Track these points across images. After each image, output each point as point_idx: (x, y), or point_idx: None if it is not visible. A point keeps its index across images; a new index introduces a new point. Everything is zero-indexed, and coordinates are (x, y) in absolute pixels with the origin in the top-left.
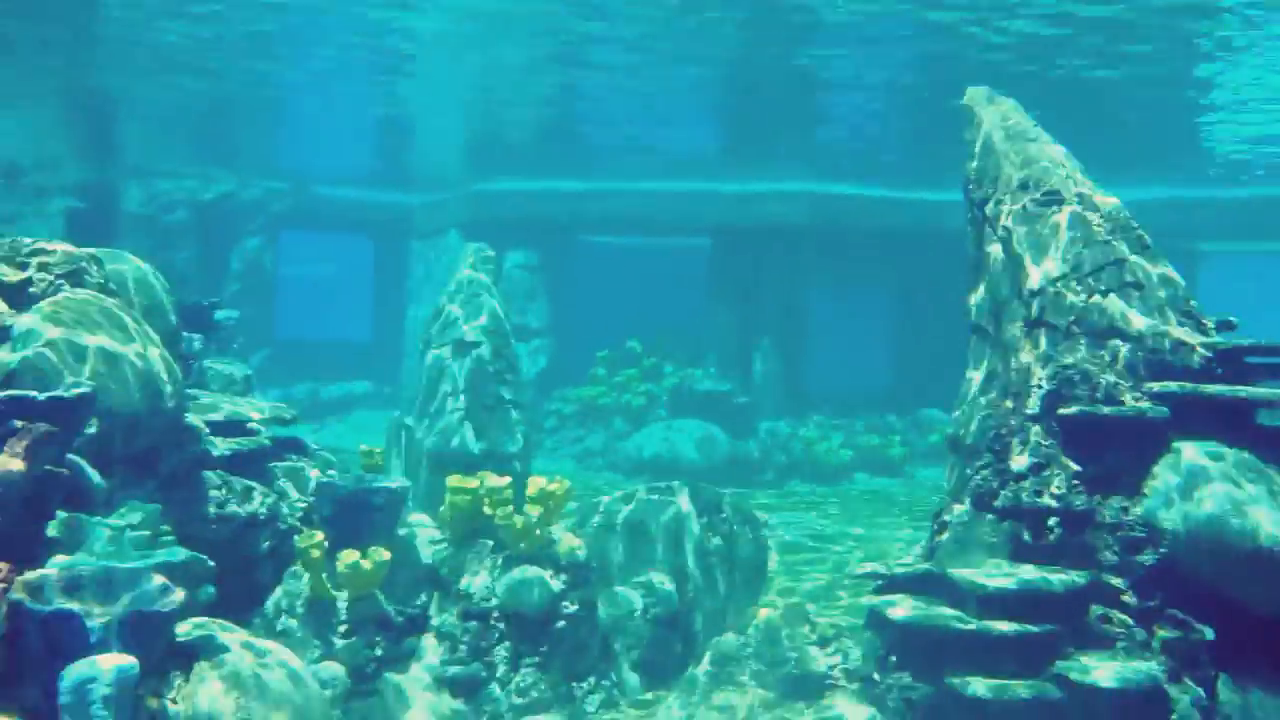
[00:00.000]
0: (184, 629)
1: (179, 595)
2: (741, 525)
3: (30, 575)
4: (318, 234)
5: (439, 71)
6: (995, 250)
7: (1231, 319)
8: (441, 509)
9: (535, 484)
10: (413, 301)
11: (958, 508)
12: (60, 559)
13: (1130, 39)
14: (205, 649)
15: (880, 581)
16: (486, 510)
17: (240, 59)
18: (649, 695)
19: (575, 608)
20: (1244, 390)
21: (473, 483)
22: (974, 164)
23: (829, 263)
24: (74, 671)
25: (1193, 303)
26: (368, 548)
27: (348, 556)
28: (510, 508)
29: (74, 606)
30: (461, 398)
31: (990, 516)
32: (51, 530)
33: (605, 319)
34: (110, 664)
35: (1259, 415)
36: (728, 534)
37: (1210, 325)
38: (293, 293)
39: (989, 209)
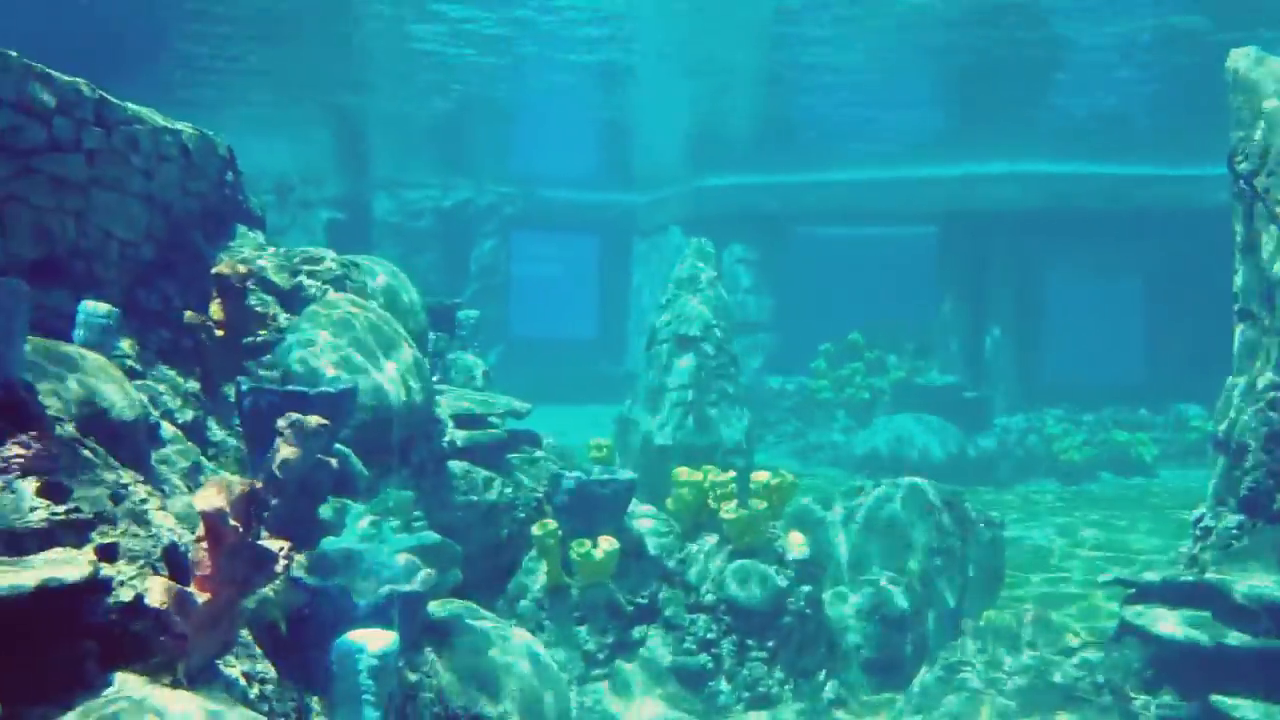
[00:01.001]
0: (435, 608)
1: (431, 576)
2: (976, 526)
3: (306, 553)
4: (546, 234)
5: (659, 71)
6: (1266, 227)
7: None
8: (668, 501)
9: (759, 478)
10: (636, 297)
11: (1225, 512)
12: (330, 540)
13: None
14: (455, 628)
15: (1132, 590)
16: (711, 503)
17: (476, 71)
18: (878, 696)
19: (801, 604)
20: None
21: (697, 475)
22: (1240, 133)
23: (1067, 247)
24: (343, 643)
25: None
26: (598, 537)
27: (580, 545)
28: (735, 501)
29: (343, 583)
30: (686, 392)
31: (1263, 522)
32: (323, 513)
33: (827, 311)
34: (375, 638)
35: None
36: (961, 534)
37: None
38: (525, 292)
39: (1259, 182)
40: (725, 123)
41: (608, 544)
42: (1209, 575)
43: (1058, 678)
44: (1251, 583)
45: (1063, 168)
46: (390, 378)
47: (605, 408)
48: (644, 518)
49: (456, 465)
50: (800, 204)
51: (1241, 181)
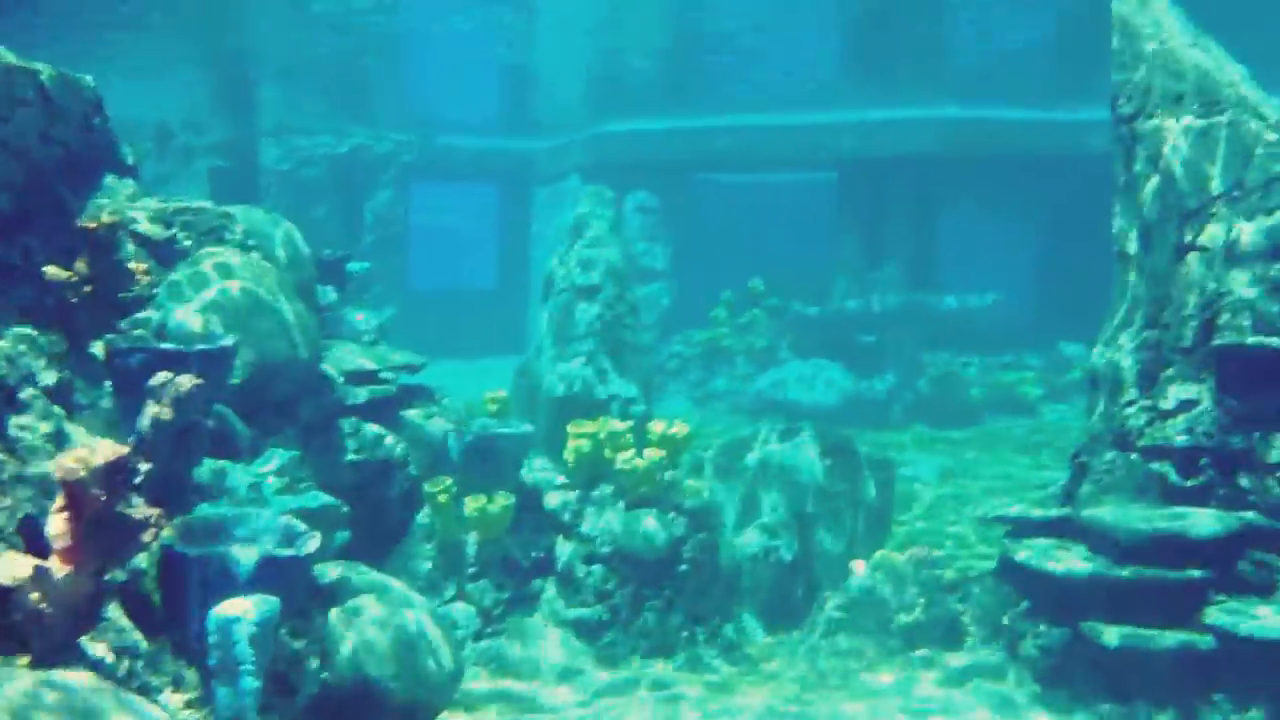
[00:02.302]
0: (321, 572)
1: (316, 540)
2: (867, 468)
3: (180, 520)
4: (446, 184)
5: (560, 8)
6: (1144, 170)
7: None
8: (564, 453)
9: (656, 428)
10: (536, 248)
11: (1099, 448)
12: (207, 505)
13: None
14: (342, 591)
15: (1011, 526)
16: (608, 454)
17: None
18: (771, 639)
19: (696, 552)
20: None
21: (594, 427)
22: (1121, 75)
23: (962, 193)
24: (220, 611)
25: None
26: (494, 492)
27: (475, 501)
28: (631, 451)
29: (220, 550)
30: (583, 342)
31: (1134, 457)
32: (200, 476)
33: (728, 259)
34: (253, 605)
35: None
36: (853, 477)
37: None
38: (424, 243)
39: (1139, 125)
40: (626, 66)
41: (503, 499)
42: (1083, 511)
43: (941, 613)
44: (1103, 515)
45: (959, 113)
46: (273, 332)
47: (507, 360)
48: (541, 470)
49: (346, 423)
50: (701, 151)
51: (1123, 124)
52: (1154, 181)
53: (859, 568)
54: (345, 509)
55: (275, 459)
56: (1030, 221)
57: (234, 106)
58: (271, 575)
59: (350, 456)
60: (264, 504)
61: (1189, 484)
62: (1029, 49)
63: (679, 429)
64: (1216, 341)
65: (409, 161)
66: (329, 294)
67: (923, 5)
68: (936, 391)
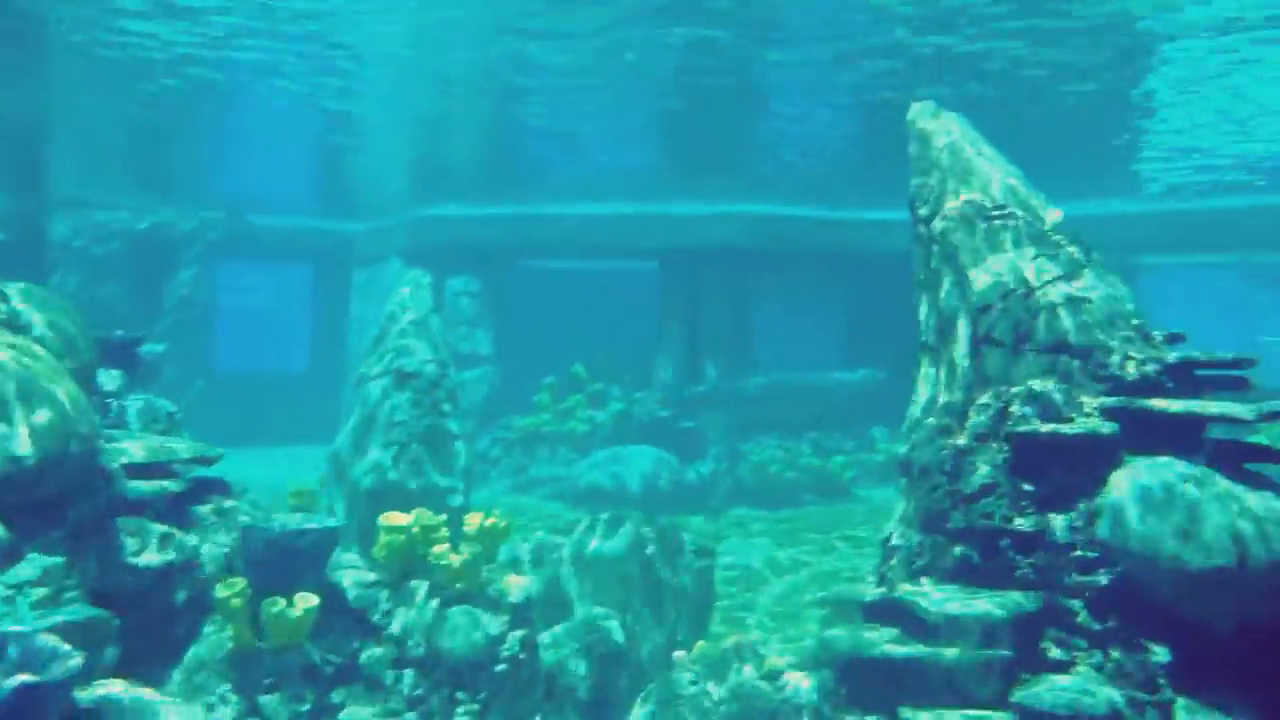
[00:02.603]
0: (86, 693)
1: (76, 660)
2: (688, 556)
3: None
4: (257, 264)
5: (380, 94)
6: (942, 268)
7: (1180, 332)
8: (375, 549)
9: (473, 520)
10: (353, 331)
11: (909, 531)
12: None
13: (1078, 51)
14: (107, 714)
15: (830, 610)
16: (422, 549)
17: (176, 79)
18: None
19: (516, 650)
20: (1196, 404)
21: (407, 519)
22: (919, 180)
23: (775, 284)
24: None
25: (1140, 316)
26: (295, 594)
27: (274, 604)
28: (446, 545)
29: None
30: (397, 430)
31: (942, 539)
32: None
33: (551, 345)
34: None
35: (1210, 429)
36: (674, 565)
37: (1159, 338)
38: (232, 324)
39: (935, 225)
40: (450, 150)
41: (305, 601)
42: (898, 592)
43: (761, 703)
44: (916, 599)
45: (769, 209)
46: (39, 425)
47: (319, 447)
48: (349, 568)
49: (127, 522)
50: (524, 237)
51: (921, 225)
52: (950, 278)
53: (680, 658)
54: (116, 621)
55: (35, 566)
56: (838, 310)
57: (18, 175)
58: (18, 703)
59: (130, 559)
60: (18, 620)
61: (991, 565)
62: (835, 151)
63: (497, 521)
64: (1010, 429)
65: (216, 239)
66: (114, 379)
67: (736, 107)
68: (755, 476)
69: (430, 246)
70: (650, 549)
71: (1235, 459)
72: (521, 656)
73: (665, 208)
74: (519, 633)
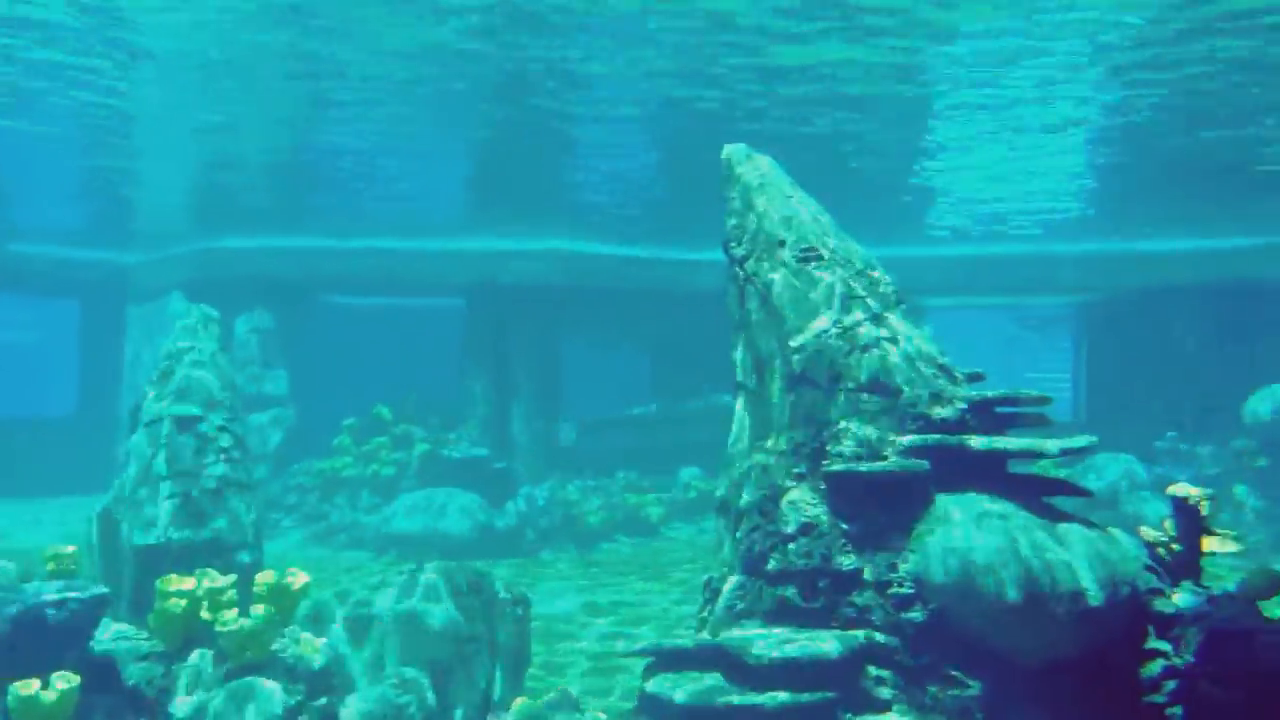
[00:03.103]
0: None
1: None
2: (501, 605)
3: None
4: (16, 297)
5: (159, 119)
6: (756, 307)
7: (980, 371)
8: (150, 616)
9: (264, 579)
10: (130, 371)
11: (730, 574)
12: None
13: (867, 108)
14: None
15: (651, 659)
16: (205, 615)
17: None
18: None
19: None
20: (1000, 441)
21: (188, 583)
22: (733, 221)
23: (585, 323)
24: None
25: (944, 356)
26: (52, 674)
27: (25, 688)
28: (234, 610)
29: None
30: (178, 481)
31: (763, 581)
32: None
33: (354, 385)
34: None
35: (1010, 465)
36: (487, 616)
37: (961, 377)
38: None
39: (749, 266)
40: (240, 176)
41: (64, 681)
42: (720, 637)
43: None
44: (737, 643)
45: (577, 246)
46: None
47: (89, 499)
48: (120, 639)
49: None
50: (323, 271)
51: (736, 265)
52: (764, 318)
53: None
54: None
55: None
56: (647, 349)
57: None
58: None
59: None
60: None
61: (813, 606)
62: (645, 191)
63: (294, 579)
64: (826, 468)
65: None
66: None
67: (544, 144)
68: (568, 517)
69: (217, 279)
70: (463, 599)
71: (1036, 492)
72: None
73: (472, 243)
74: (319, 702)
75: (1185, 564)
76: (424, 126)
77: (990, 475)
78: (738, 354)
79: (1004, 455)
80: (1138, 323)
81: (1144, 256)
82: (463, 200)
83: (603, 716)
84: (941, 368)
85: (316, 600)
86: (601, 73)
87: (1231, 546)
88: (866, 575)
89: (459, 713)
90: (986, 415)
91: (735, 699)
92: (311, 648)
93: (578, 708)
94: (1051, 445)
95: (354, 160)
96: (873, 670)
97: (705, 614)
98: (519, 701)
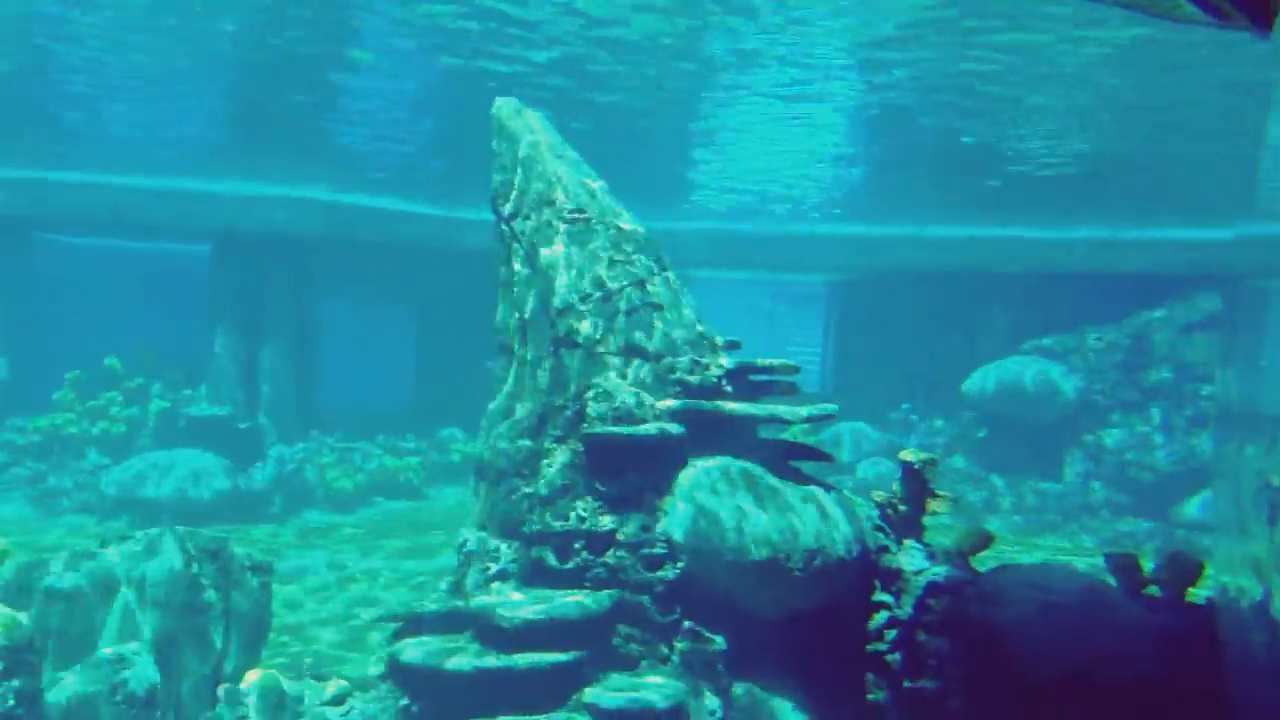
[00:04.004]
0: None
1: None
2: (242, 573)
3: None
4: None
5: None
6: (522, 267)
7: (736, 340)
8: None
9: None
10: None
11: (485, 536)
12: None
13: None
14: None
15: (402, 624)
16: None
17: None
18: None
19: (11, 702)
20: (753, 407)
21: None
22: (501, 177)
23: (346, 276)
24: None
25: (703, 324)
26: None
27: None
28: None
29: None
30: None
31: (519, 543)
32: None
33: (79, 333)
34: None
35: (761, 430)
36: (224, 585)
37: (719, 345)
38: None
39: (516, 224)
40: None
41: None
42: (472, 600)
43: None
44: (488, 604)
45: (340, 197)
46: None
47: None
48: None
49: None
50: (43, 207)
51: (503, 223)
52: (529, 278)
53: (229, 691)
54: None
55: None
56: (412, 308)
57: None
58: None
59: None
60: None
61: (568, 566)
62: (413, 145)
63: None
64: (586, 430)
65: None
66: None
67: (306, 86)
68: (323, 479)
69: None
70: (195, 568)
71: (784, 457)
72: (19, 711)
73: (221, 185)
74: (15, 681)
75: (910, 523)
76: (172, 55)
77: (742, 439)
78: (501, 314)
79: (755, 421)
80: (877, 303)
81: (882, 241)
82: (212, 138)
83: (346, 684)
84: (701, 335)
85: (19, 566)
86: (368, 21)
87: (949, 506)
88: (621, 536)
89: (186, 685)
90: (741, 382)
91: (484, 661)
92: (7, 621)
93: (320, 676)
94: (797, 412)
95: (88, 84)
96: (623, 628)
97: (459, 576)
98: (256, 673)
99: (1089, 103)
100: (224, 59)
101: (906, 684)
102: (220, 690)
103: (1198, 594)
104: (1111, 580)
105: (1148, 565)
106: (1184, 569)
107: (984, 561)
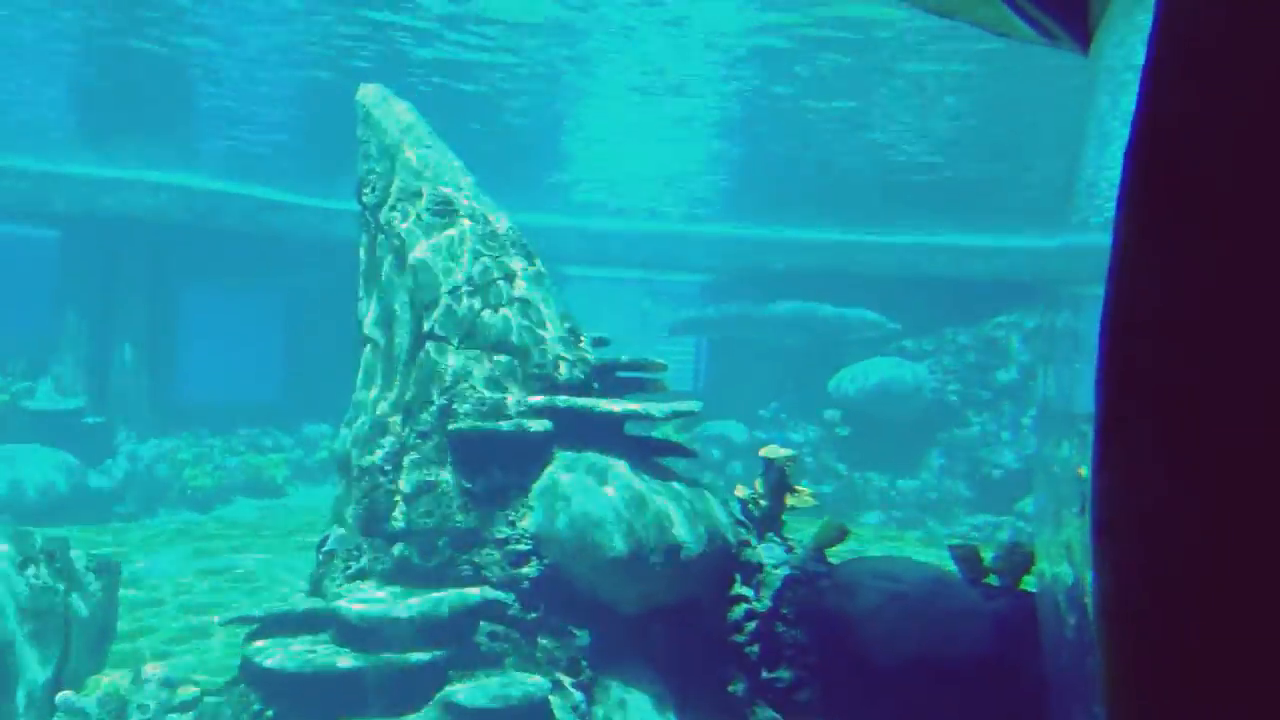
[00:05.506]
0: None
1: None
2: (85, 575)
3: None
4: None
5: None
6: (388, 259)
7: (605, 336)
8: None
9: None
10: None
11: (347, 534)
12: None
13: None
14: None
15: (257, 625)
16: None
17: None
18: None
19: None
20: (616, 404)
21: None
22: (366, 166)
23: (210, 265)
24: None
25: (571, 320)
26: None
27: None
28: None
29: None
30: None
31: (381, 540)
32: None
33: None
34: None
35: (626, 426)
36: (64, 588)
37: (587, 342)
38: None
39: (382, 215)
40: None
41: None
42: (330, 599)
43: None
44: (347, 604)
45: (200, 182)
46: None
47: None
48: None
49: None
50: None
51: (367, 213)
52: (395, 270)
53: (68, 698)
54: None
55: None
56: (280, 298)
57: None
58: None
59: None
60: None
61: (431, 564)
62: (279, 132)
63: None
64: (451, 426)
65: None
66: None
67: (163, 69)
68: (179, 477)
69: None
70: (31, 569)
71: (649, 453)
72: None
73: (70, 166)
74: None
75: (770, 518)
76: (6, 14)
77: (609, 436)
78: (365, 306)
79: (621, 417)
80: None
81: (750, 242)
82: (61, 117)
83: (196, 689)
84: (570, 331)
85: None
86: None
87: (809, 502)
88: (486, 533)
89: (21, 694)
90: (609, 379)
91: (344, 662)
92: None
93: (167, 683)
94: (662, 409)
95: None
96: (487, 626)
97: (319, 574)
98: (103, 679)
99: (933, 120)
100: (71, 30)
101: (764, 674)
102: (58, 698)
103: (1029, 581)
104: (955, 570)
105: (988, 556)
106: (1018, 559)
107: (840, 555)
